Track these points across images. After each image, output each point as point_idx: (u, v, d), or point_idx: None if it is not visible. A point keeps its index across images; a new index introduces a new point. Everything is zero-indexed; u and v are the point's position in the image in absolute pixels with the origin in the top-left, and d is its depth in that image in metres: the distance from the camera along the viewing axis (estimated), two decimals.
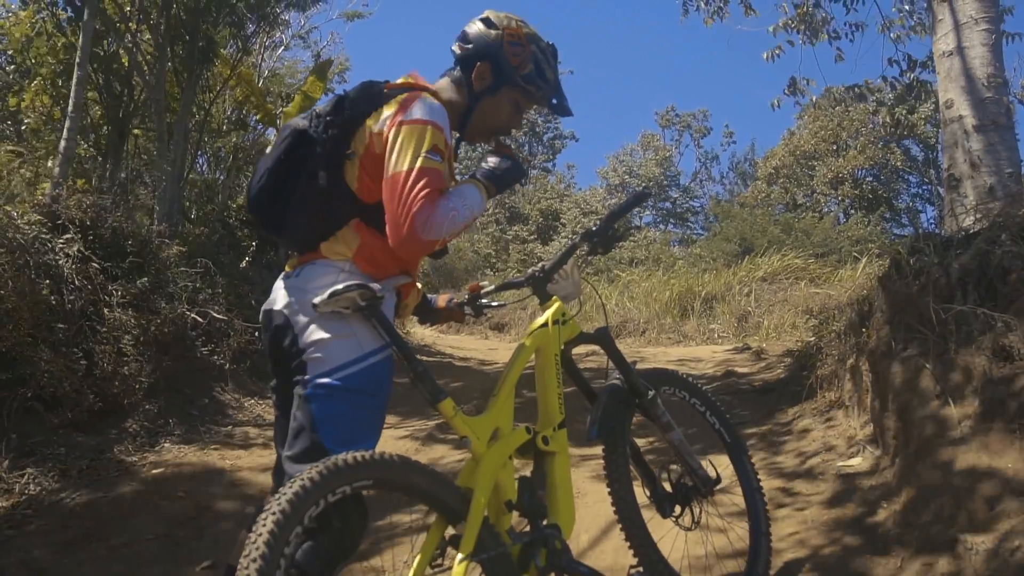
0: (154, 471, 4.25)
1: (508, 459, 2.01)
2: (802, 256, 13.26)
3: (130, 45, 8.74)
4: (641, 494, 2.36)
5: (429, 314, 2.41)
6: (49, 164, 7.83)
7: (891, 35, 7.81)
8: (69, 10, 8.14)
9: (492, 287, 2.47)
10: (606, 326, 2.50)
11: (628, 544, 2.26)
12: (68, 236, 5.09)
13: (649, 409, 2.41)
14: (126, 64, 9.09)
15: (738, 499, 2.67)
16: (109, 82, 9.14)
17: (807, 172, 25.72)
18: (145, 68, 8.74)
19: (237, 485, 4.18)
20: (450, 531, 1.82)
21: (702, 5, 8.03)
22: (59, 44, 8.81)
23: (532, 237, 23.55)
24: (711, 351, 8.60)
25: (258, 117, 11.27)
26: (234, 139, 12.16)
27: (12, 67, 10.05)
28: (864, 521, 2.91)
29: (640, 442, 2.58)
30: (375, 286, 1.80)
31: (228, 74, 10.18)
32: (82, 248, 5.07)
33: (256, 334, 6.30)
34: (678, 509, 2.43)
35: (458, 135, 2.11)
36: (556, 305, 2.29)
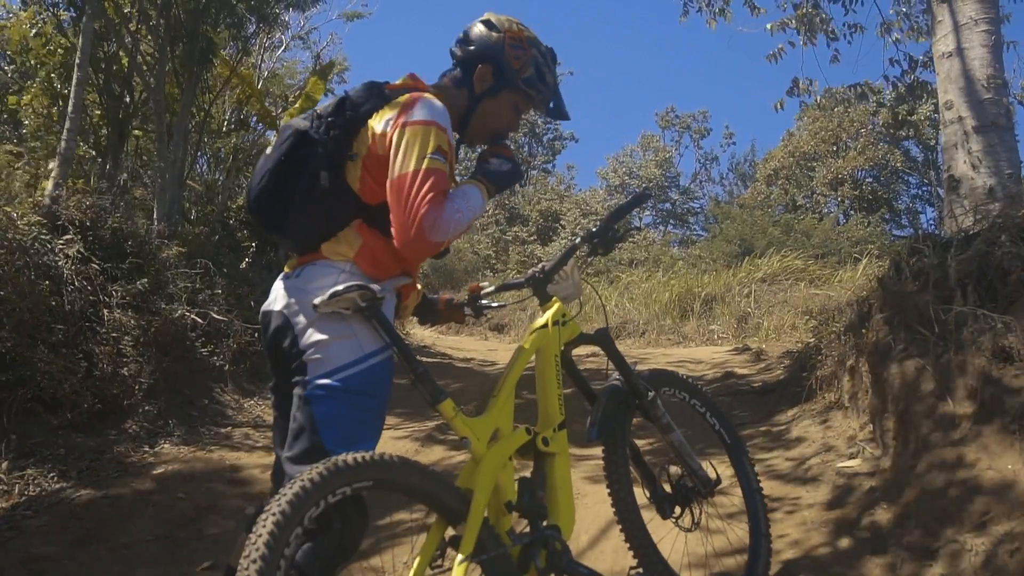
0: (154, 472, 4.25)
1: (508, 460, 2.01)
2: (802, 257, 13.27)
3: (130, 46, 8.74)
4: (641, 495, 2.36)
5: (429, 315, 2.41)
6: (49, 165, 7.83)
7: (890, 38, 7.83)
8: (71, 10, 8.14)
9: (492, 288, 2.47)
10: (606, 327, 2.50)
11: (628, 545, 2.26)
12: (68, 237, 5.09)
13: (649, 410, 2.41)
14: (126, 65, 9.10)
15: (738, 500, 2.67)
16: (109, 83, 9.15)
17: (807, 173, 25.73)
18: (145, 69, 8.75)
19: (237, 486, 4.18)
20: (450, 532, 1.82)
21: (704, 7, 8.02)
22: (59, 45, 8.81)
23: (532, 238, 23.55)
24: (711, 352, 8.60)
25: (257, 118, 11.29)
26: (234, 140, 12.17)
27: (12, 67, 10.05)
28: (863, 522, 2.91)
29: (640, 443, 2.58)
30: (375, 287, 1.80)
31: (228, 74, 10.19)
32: (82, 249, 5.07)
33: (255, 335, 6.30)
34: (678, 510, 2.43)
35: (458, 137, 2.11)
36: (556, 306, 2.29)
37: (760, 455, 3.90)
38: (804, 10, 7.75)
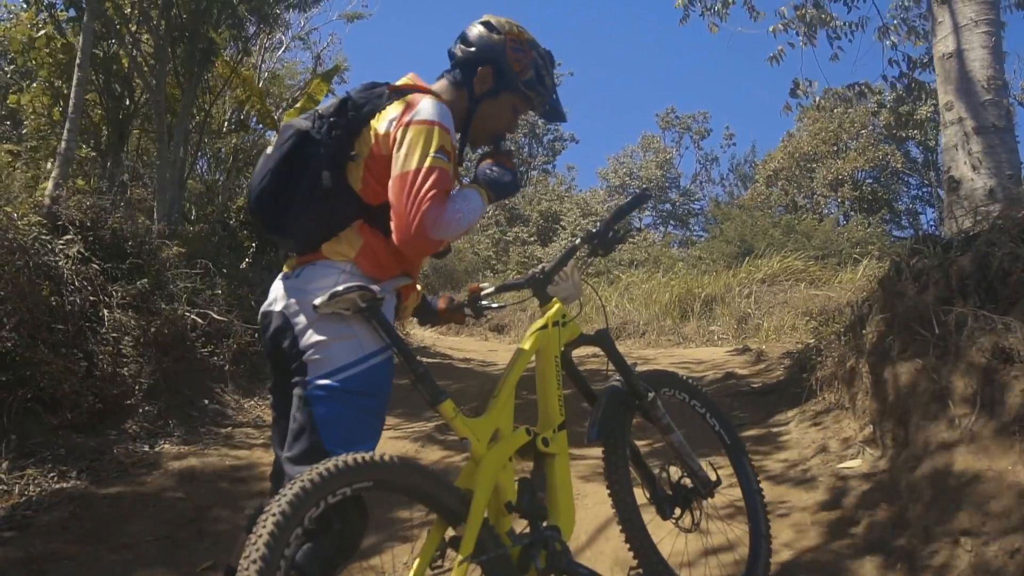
0: (154, 472, 4.25)
1: (508, 461, 2.01)
2: (802, 258, 13.27)
3: (130, 46, 8.74)
4: (641, 496, 2.36)
5: (429, 315, 2.41)
6: (49, 165, 7.84)
7: (888, 41, 7.83)
8: (71, 11, 8.15)
9: (492, 289, 2.47)
10: (606, 328, 2.50)
11: (628, 546, 2.26)
12: (68, 237, 5.09)
13: (649, 411, 2.41)
14: (126, 65, 9.10)
15: (738, 501, 2.67)
16: (109, 83, 9.15)
17: (807, 174, 25.72)
18: (145, 69, 8.75)
19: (237, 486, 4.18)
20: (450, 532, 1.82)
21: (705, 11, 8.03)
22: (59, 45, 8.82)
23: (532, 239, 23.56)
24: (711, 353, 8.60)
25: (258, 118, 11.30)
26: (234, 140, 12.18)
27: (12, 68, 10.06)
28: (863, 522, 2.91)
29: (639, 443, 2.58)
30: (375, 288, 1.80)
31: (229, 75, 10.19)
32: (82, 249, 5.07)
33: (256, 335, 6.28)
34: (678, 511, 2.43)
35: (459, 137, 2.11)
36: (556, 307, 2.29)
37: (760, 456, 3.90)
38: (804, 11, 7.76)
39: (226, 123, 11.96)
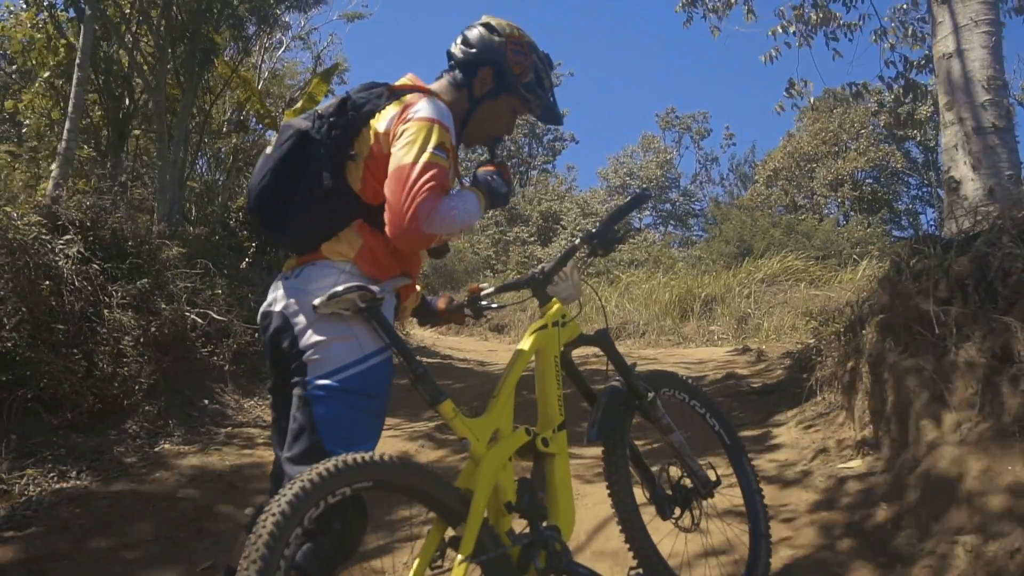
0: (154, 472, 4.25)
1: (508, 461, 2.01)
2: (802, 258, 13.27)
3: (130, 46, 8.74)
4: (641, 496, 2.36)
5: (429, 316, 2.41)
6: (49, 165, 7.84)
7: (886, 43, 7.83)
8: (71, 11, 8.15)
9: (492, 289, 2.47)
10: (606, 328, 2.50)
11: (628, 546, 2.26)
12: (68, 237, 5.09)
13: (649, 411, 2.41)
14: (126, 65, 9.11)
15: (738, 501, 2.67)
16: (109, 83, 9.15)
17: (807, 174, 25.73)
18: (145, 69, 8.75)
19: (237, 486, 4.18)
20: (450, 533, 1.82)
21: (707, 13, 8.03)
22: (59, 45, 8.82)
23: (532, 239, 23.56)
24: (711, 353, 8.60)
25: (257, 118, 11.31)
26: (234, 140, 12.18)
27: (12, 68, 10.05)
28: (863, 523, 2.91)
29: (639, 443, 2.58)
30: (375, 288, 1.80)
31: (229, 75, 10.19)
32: (82, 249, 5.07)
33: (256, 335, 6.28)
34: (678, 511, 2.43)
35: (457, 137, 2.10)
36: (556, 307, 2.29)
37: (760, 456, 3.90)
38: (802, 10, 7.76)
39: (226, 123, 11.96)
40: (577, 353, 2.43)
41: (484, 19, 2.11)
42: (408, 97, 1.91)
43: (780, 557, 2.77)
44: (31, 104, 9.29)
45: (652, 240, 25.02)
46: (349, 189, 1.88)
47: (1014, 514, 2.32)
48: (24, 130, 9.74)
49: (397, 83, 2.02)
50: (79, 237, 5.17)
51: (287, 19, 12.70)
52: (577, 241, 2.39)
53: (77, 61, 6.99)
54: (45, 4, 8.69)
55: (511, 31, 2.08)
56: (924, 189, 26.49)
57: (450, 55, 2.11)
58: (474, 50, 2.06)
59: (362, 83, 2.01)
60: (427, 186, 1.77)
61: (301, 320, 1.83)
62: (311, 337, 1.81)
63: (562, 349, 2.27)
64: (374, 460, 1.63)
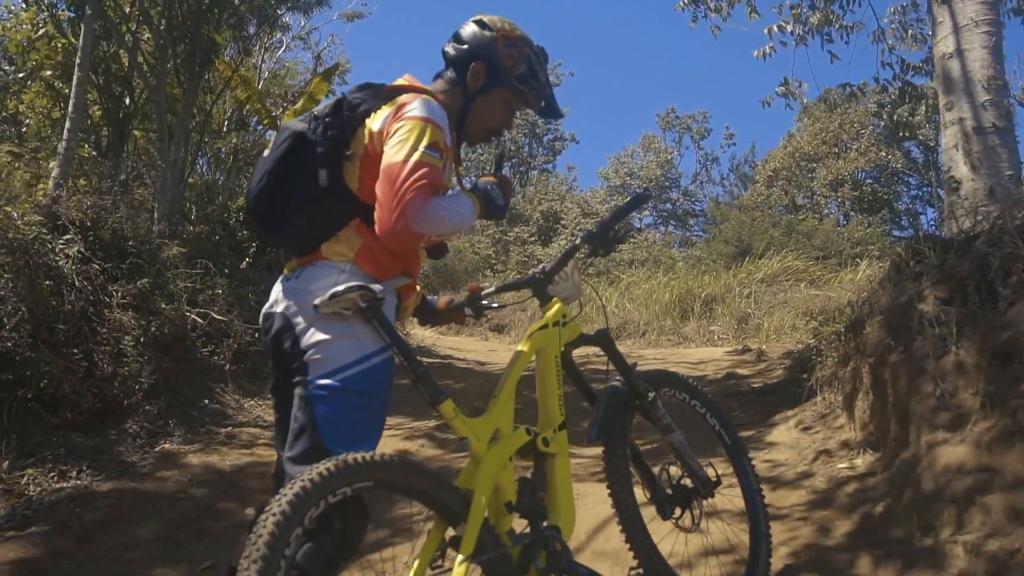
0: (154, 472, 4.25)
1: (508, 460, 2.01)
2: (802, 258, 13.27)
3: (130, 46, 8.74)
4: (641, 495, 2.36)
5: (429, 315, 2.41)
6: (49, 165, 7.84)
7: (886, 44, 7.83)
8: (71, 11, 8.15)
9: (492, 288, 2.47)
10: (606, 328, 2.50)
11: (628, 546, 2.26)
12: (68, 237, 5.09)
13: (649, 411, 2.42)
14: (126, 65, 9.11)
15: (738, 501, 2.67)
16: (109, 83, 9.15)
17: (807, 174, 25.73)
18: (146, 69, 8.75)
19: (237, 486, 4.18)
20: (450, 532, 1.82)
21: (710, 12, 8.02)
22: (59, 45, 8.82)
23: (532, 239, 23.55)
24: (711, 353, 8.60)
25: (258, 118, 11.31)
26: (234, 140, 12.17)
27: (12, 68, 10.05)
28: (864, 523, 2.91)
29: (639, 443, 2.58)
30: (376, 287, 1.80)
31: (230, 74, 10.19)
32: (82, 249, 5.06)
33: (256, 335, 6.29)
34: (678, 511, 2.43)
35: (457, 136, 2.11)
36: (557, 307, 2.30)
37: (760, 456, 3.90)
38: (799, 9, 7.76)
39: (226, 123, 11.96)
40: (578, 353, 2.43)
41: (477, 16, 2.12)
42: (402, 97, 1.92)
43: (780, 557, 2.77)
44: (31, 104, 9.29)
45: (652, 240, 25.02)
46: (347, 189, 1.89)
47: (1014, 513, 2.32)
48: (24, 130, 9.74)
49: (393, 83, 2.03)
50: (79, 237, 5.17)
51: (287, 19, 12.72)
52: (578, 241, 2.39)
53: (77, 61, 6.99)
54: (45, 3, 8.69)
55: (502, 25, 2.09)
56: (924, 189, 26.51)
57: (444, 54, 2.12)
58: (466, 46, 2.07)
59: (358, 84, 2.02)
60: (416, 184, 1.77)
61: (302, 320, 1.84)
62: (312, 337, 1.81)
63: (563, 349, 2.27)
64: (375, 460, 1.63)
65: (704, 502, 2.48)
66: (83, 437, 4.41)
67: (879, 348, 3.40)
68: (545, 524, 2.02)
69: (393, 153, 1.82)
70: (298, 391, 1.81)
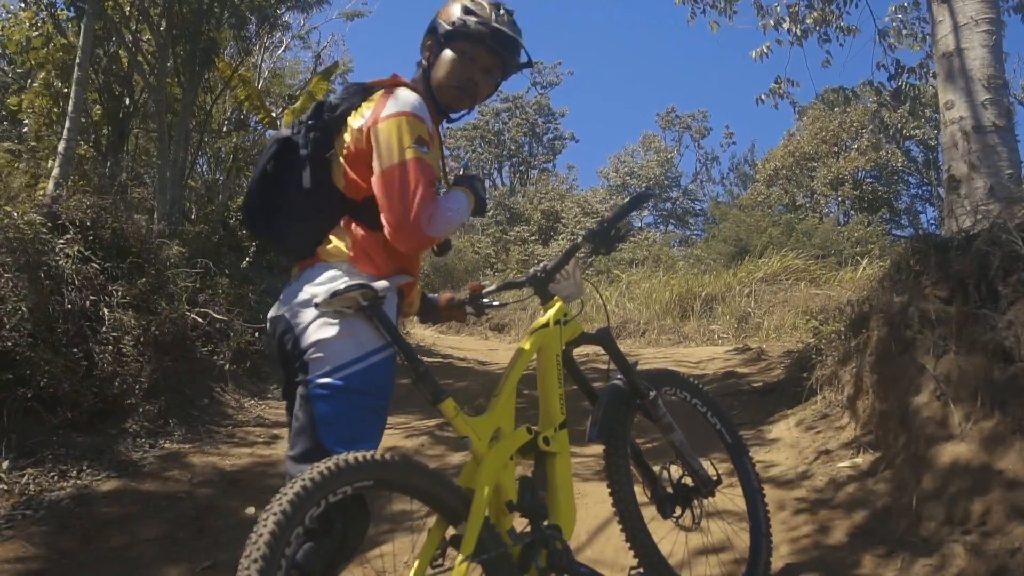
0: (154, 472, 4.25)
1: (509, 459, 2.01)
2: (802, 257, 13.26)
3: (130, 46, 8.73)
4: (642, 494, 2.36)
5: (430, 313, 2.42)
6: (49, 164, 7.83)
7: (887, 44, 7.82)
8: (71, 11, 8.13)
9: (493, 287, 2.47)
10: (607, 326, 2.50)
11: (629, 545, 2.26)
12: (68, 236, 5.09)
13: (650, 410, 2.41)
14: (126, 65, 9.10)
15: (739, 500, 2.67)
16: (109, 83, 9.14)
17: (807, 173, 25.73)
18: (146, 68, 8.74)
19: (237, 485, 4.18)
20: (451, 531, 1.82)
21: (709, 7, 8.03)
22: (59, 45, 8.80)
23: (533, 238, 23.54)
24: (711, 352, 8.59)
25: (258, 118, 11.30)
26: (234, 140, 12.16)
27: (11, 67, 10.04)
28: (864, 522, 2.91)
29: (640, 442, 2.58)
30: (378, 285, 1.81)
31: (230, 74, 10.18)
32: (82, 248, 5.06)
33: (256, 335, 6.30)
34: (678, 510, 2.43)
35: (436, 113, 2.07)
36: (558, 305, 2.29)
37: (760, 455, 3.89)
38: (796, 10, 7.75)
39: (226, 123, 11.95)
40: (579, 351, 2.43)
41: None
42: (379, 94, 1.94)
43: (781, 556, 2.77)
44: (31, 104, 9.27)
45: (652, 239, 25.01)
46: (333, 188, 1.93)
47: (1014, 513, 2.32)
48: (24, 130, 9.72)
49: (373, 81, 2.04)
50: (79, 236, 5.17)
51: (287, 19, 12.71)
52: (579, 239, 2.39)
53: (77, 60, 6.98)
54: (45, 3, 8.68)
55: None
56: (924, 188, 26.53)
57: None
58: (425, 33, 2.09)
59: (343, 86, 2.05)
60: (420, 189, 1.80)
61: (303, 320, 1.84)
62: (313, 335, 1.81)
63: (564, 347, 2.27)
64: (375, 459, 1.63)
65: (705, 501, 2.48)
66: (83, 437, 4.41)
67: (879, 347, 3.40)
68: (546, 523, 2.02)
69: (385, 158, 1.83)
70: (300, 390, 1.82)
